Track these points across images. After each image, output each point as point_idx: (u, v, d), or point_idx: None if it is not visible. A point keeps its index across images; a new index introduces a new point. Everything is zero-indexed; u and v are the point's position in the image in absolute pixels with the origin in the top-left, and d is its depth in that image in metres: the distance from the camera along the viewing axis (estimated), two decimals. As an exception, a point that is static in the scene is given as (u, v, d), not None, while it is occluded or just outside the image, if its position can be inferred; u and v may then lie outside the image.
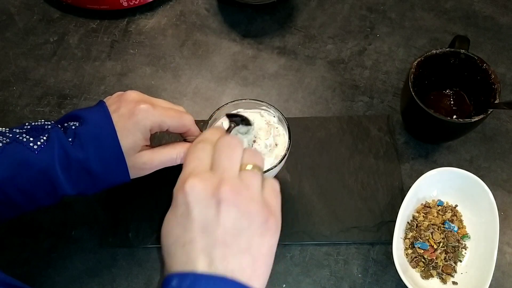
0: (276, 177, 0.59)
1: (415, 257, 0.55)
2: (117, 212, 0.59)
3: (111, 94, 0.51)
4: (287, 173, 0.61)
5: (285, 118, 0.53)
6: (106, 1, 0.72)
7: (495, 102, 0.56)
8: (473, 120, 0.55)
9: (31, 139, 0.45)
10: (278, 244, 0.37)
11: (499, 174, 0.62)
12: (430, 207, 0.57)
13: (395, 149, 0.63)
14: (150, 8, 0.76)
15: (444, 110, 0.62)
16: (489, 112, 0.55)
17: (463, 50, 0.59)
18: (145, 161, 0.48)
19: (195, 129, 0.51)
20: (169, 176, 0.52)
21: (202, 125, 0.52)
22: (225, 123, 0.53)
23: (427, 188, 0.58)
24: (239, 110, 0.54)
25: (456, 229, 0.56)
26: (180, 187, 0.36)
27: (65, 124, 0.47)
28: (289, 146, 0.51)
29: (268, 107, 0.54)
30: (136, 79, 0.69)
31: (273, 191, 0.38)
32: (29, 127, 0.47)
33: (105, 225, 0.58)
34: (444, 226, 0.56)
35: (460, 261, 0.55)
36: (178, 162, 0.49)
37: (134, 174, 0.48)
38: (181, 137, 0.52)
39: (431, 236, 0.55)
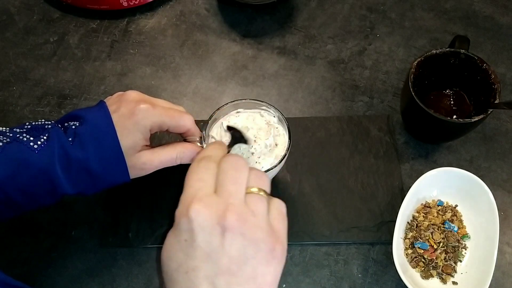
0: (276, 177, 0.59)
1: (415, 257, 0.55)
2: (117, 212, 0.59)
3: (111, 94, 0.51)
4: (287, 173, 0.61)
5: (285, 118, 0.53)
6: (106, 1, 0.72)
7: (495, 102, 0.56)
8: (473, 120, 0.55)
9: (31, 138, 0.45)
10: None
11: (499, 174, 0.62)
12: (430, 207, 0.57)
13: (395, 149, 0.63)
14: (150, 8, 0.76)
15: (444, 110, 0.62)
16: (489, 112, 0.55)
17: (463, 50, 0.59)
18: (145, 161, 0.48)
19: (195, 129, 0.51)
20: (169, 176, 0.53)
21: (202, 125, 0.52)
22: (224, 122, 0.53)
23: (427, 188, 0.58)
24: (239, 110, 0.54)
25: (456, 229, 0.56)
26: (184, 212, 0.35)
27: (65, 124, 0.47)
28: (289, 146, 0.51)
29: (268, 107, 0.54)
30: (136, 79, 0.69)
31: (280, 214, 0.37)
32: (29, 126, 0.47)
33: (105, 225, 0.58)
34: (444, 226, 0.56)
35: (460, 261, 0.55)
36: (178, 162, 0.49)
37: (134, 174, 0.48)
38: (181, 137, 0.52)
39: (431, 236, 0.55)
